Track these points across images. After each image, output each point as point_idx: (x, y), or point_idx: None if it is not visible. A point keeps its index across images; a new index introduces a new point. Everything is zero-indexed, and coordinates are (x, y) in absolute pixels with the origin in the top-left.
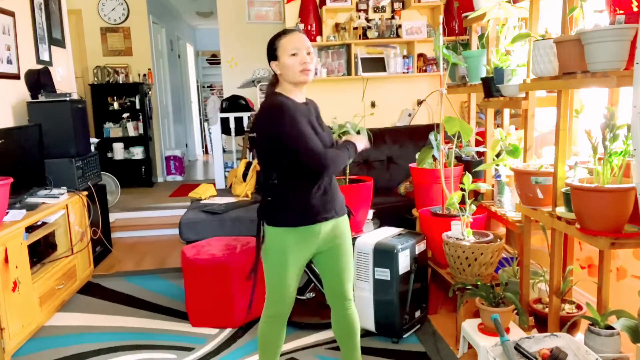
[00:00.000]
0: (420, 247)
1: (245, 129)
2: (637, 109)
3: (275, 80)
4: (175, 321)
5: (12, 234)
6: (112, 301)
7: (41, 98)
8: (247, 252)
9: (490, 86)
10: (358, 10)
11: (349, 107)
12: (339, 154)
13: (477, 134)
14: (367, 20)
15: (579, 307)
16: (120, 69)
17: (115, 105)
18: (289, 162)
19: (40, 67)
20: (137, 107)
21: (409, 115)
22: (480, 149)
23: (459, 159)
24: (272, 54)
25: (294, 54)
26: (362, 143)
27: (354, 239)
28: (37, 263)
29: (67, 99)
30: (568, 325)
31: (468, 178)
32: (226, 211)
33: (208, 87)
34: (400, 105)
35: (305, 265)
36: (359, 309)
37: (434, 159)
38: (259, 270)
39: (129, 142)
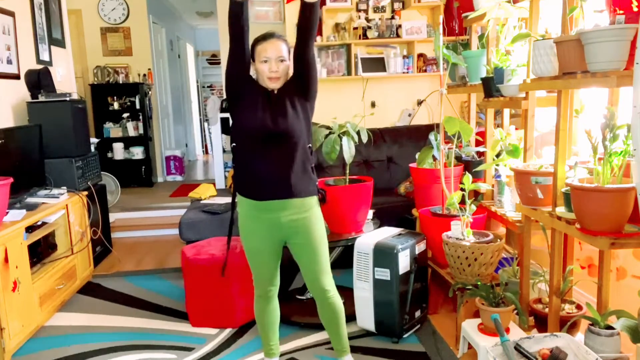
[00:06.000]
0: (420, 247)
1: None
2: (637, 109)
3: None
4: (175, 321)
5: (12, 234)
6: (112, 301)
7: (41, 98)
8: None
9: (490, 86)
10: (358, 10)
11: (349, 107)
12: None
13: (477, 134)
14: (367, 20)
15: (579, 307)
16: (120, 69)
17: (115, 105)
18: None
19: (40, 67)
20: (137, 107)
21: (409, 115)
22: (480, 149)
23: (459, 159)
24: (252, 56)
25: (264, 61)
26: None
27: (354, 239)
28: (37, 263)
29: (67, 99)
30: (568, 325)
31: (468, 178)
32: (226, 211)
33: (208, 87)
34: (400, 105)
35: (277, 248)
36: (359, 309)
37: (434, 159)
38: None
39: (129, 142)
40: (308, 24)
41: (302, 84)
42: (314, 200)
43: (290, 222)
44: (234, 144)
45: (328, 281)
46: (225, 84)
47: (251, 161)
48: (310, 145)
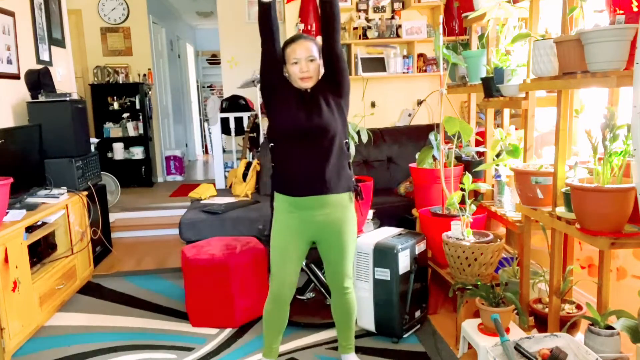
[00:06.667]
0: (420, 247)
1: (245, 128)
2: (637, 109)
3: None
4: (175, 321)
5: (12, 234)
6: (112, 301)
7: (41, 98)
8: (247, 252)
9: (490, 86)
10: (358, 10)
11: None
12: None
13: (477, 134)
14: (367, 20)
15: (579, 307)
16: (120, 69)
17: (115, 105)
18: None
19: (40, 67)
20: (137, 107)
21: (409, 115)
22: (480, 149)
23: (459, 159)
24: (283, 58)
25: (295, 63)
26: None
27: None
28: (37, 263)
29: (67, 99)
30: (568, 325)
31: (468, 178)
32: (226, 211)
33: (208, 87)
34: (400, 105)
35: (305, 248)
36: (359, 309)
37: (434, 159)
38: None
39: (129, 142)
40: (330, 19)
41: (333, 80)
42: (349, 198)
43: (323, 221)
44: (272, 144)
45: (349, 281)
46: (260, 86)
47: (288, 159)
48: (347, 141)
